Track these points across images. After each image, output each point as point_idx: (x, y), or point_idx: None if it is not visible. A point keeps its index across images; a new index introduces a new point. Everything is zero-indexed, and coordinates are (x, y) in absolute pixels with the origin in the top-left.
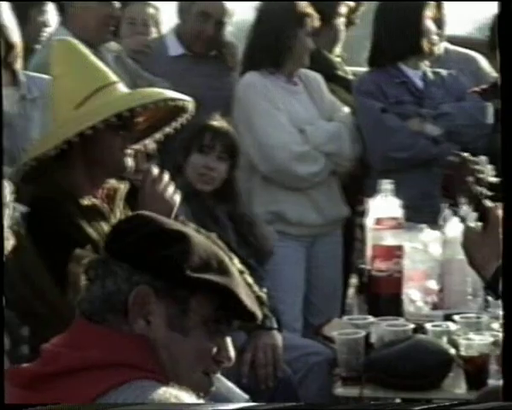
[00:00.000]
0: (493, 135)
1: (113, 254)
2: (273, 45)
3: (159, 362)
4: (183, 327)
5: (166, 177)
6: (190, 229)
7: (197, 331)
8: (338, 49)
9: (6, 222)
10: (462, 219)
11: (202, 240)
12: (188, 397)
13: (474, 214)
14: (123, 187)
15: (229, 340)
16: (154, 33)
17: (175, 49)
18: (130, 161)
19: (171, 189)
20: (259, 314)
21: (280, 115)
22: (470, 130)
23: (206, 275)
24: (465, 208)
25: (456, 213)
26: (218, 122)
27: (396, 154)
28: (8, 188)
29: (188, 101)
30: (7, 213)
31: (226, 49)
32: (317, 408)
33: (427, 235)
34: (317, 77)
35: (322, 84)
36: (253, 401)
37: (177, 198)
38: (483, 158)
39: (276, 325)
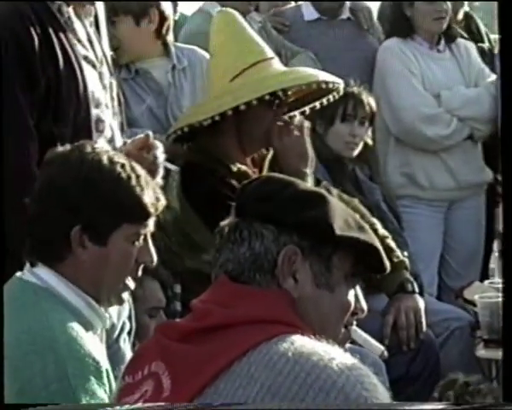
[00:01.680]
0: None
1: (257, 217)
2: (402, 14)
3: (306, 318)
4: (328, 284)
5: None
6: (334, 193)
7: (340, 287)
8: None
9: (159, 181)
10: None
11: (339, 202)
12: (334, 351)
13: None
14: (269, 154)
15: (360, 292)
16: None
17: (310, 14)
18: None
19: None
20: (388, 267)
21: (413, 78)
22: None
23: (348, 233)
24: None
25: None
26: (357, 89)
27: None
28: (160, 148)
29: (338, 83)
30: (160, 172)
31: (360, 12)
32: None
33: None
34: (468, 45)
35: (472, 51)
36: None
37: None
38: None
39: (417, 289)
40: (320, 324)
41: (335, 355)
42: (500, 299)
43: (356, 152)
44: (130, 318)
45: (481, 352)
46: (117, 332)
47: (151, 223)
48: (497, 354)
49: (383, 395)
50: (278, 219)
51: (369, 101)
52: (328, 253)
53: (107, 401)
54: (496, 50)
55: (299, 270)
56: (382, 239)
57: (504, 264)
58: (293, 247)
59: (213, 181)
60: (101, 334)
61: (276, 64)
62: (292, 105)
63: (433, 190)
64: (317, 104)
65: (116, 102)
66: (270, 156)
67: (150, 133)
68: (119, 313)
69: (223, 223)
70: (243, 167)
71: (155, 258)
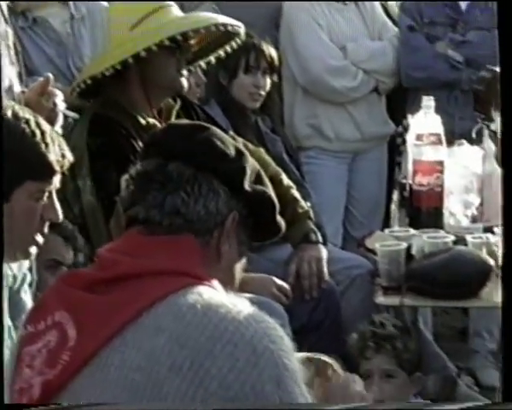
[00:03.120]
0: None
1: (214, 172)
2: None
3: (213, 272)
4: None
5: None
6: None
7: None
8: None
9: (58, 129)
10: (495, 133)
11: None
12: (242, 303)
13: None
14: (177, 105)
15: None
16: None
17: None
18: (184, 82)
19: None
20: (283, 229)
21: (319, 30)
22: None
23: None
24: (498, 121)
25: (488, 128)
26: (259, 40)
27: (415, 73)
28: (60, 96)
29: (238, 26)
30: (59, 120)
31: None
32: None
33: (468, 150)
34: None
35: (375, 4)
36: (295, 309)
37: None
38: None
39: (321, 239)
40: (229, 282)
41: (243, 308)
42: (400, 247)
43: (259, 103)
44: (30, 269)
45: (380, 299)
46: (18, 283)
47: (56, 180)
48: (396, 300)
49: (289, 347)
50: (233, 183)
51: (271, 52)
52: (250, 222)
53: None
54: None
55: (232, 235)
56: (287, 189)
57: (504, 264)
58: (236, 212)
59: (116, 137)
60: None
61: (176, 11)
62: (197, 55)
63: (338, 141)
64: (221, 53)
65: (13, 51)
66: (177, 108)
67: (50, 75)
68: (20, 265)
69: (139, 168)
70: (151, 120)
71: (61, 215)
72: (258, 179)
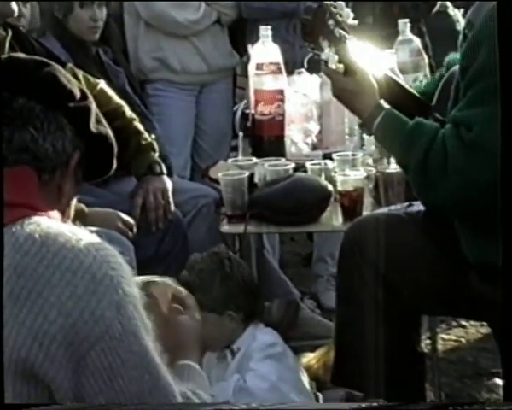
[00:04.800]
0: None
1: (65, 113)
2: None
3: (51, 203)
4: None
5: None
6: (80, 76)
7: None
8: None
9: None
10: (325, 62)
11: None
12: (81, 232)
13: (336, 57)
14: (8, 36)
15: None
16: None
17: None
18: (14, 5)
19: None
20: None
21: None
22: None
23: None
24: (327, 51)
25: (318, 57)
26: None
27: (253, 3)
28: None
29: None
30: None
31: None
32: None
33: (307, 78)
34: None
35: None
36: (142, 241)
37: None
38: (342, 2)
39: (165, 171)
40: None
41: (82, 236)
42: (242, 176)
43: (98, 35)
44: None
45: (225, 227)
46: None
47: None
48: (240, 228)
49: (128, 274)
50: (79, 123)
51: None
52: (89, 160)
53: None
54: None
55: (72, 174)
56: (130, 121)
57: (504, 263)
58: (79, 152)
59: None
60: None
61: None
62: None
63: (184, 73)
64: None
65: None
66: (9, 38)
67: None
68: None
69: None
70: None
71: None
72: (98, 121)
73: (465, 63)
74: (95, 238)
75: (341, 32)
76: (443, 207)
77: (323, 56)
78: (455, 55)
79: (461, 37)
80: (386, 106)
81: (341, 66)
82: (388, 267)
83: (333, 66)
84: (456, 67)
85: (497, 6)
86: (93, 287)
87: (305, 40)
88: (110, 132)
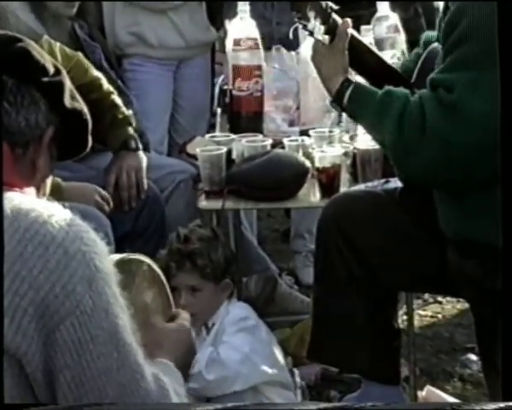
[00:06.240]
0: None
1: (38, 87)
2: None
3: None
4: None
5: None
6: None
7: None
8: None
9: None
10: (311, 33)
11: None
12: (54, 208)
13: (322, 28)
14: None
15: None
16: None
17: None
18: None
19: None
20: (90, 144)
21: None
22: None
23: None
24: (313, 22)
25: (305, 27)
26: None
27: None
28: None
29: None
30: None
31: None
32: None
33: (285, 55)
34: None
35: None
36: (118, 217)
37: None
38: None
39: (141, 146)
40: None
41: (55, 212)
42: (220, 152)
43: (75, 10)
44: None
45: (203, 203)
46: None
47: None
48: (218, 204)
49: (102, 250)
50: (54, 98)
51: None
52: (63, 136)
53: None
54: None
55: (46, 150)
56: (107, 94)
57: (504, 263)
58: (54, 127)
59: None
60: None
61: None
62: None
63: (162, 48)
64: None
65: None
66: None
67: None
68: None
69: None
70: None
71: None
72: (73, 97)
73: (448, 29)
74: (68, 214)
75: (328, 3)
76: (421, 176)
77: (310, 27)
78: (432, 33)
79: (442, 7)
80: (354, 80)
81: (327, 37)
82: (365, 244)
83: (319, 37)
84: (435, 45)
85: (497, 6)
86: (65, 262)
87: (293, 10)
88: (85, 109)
